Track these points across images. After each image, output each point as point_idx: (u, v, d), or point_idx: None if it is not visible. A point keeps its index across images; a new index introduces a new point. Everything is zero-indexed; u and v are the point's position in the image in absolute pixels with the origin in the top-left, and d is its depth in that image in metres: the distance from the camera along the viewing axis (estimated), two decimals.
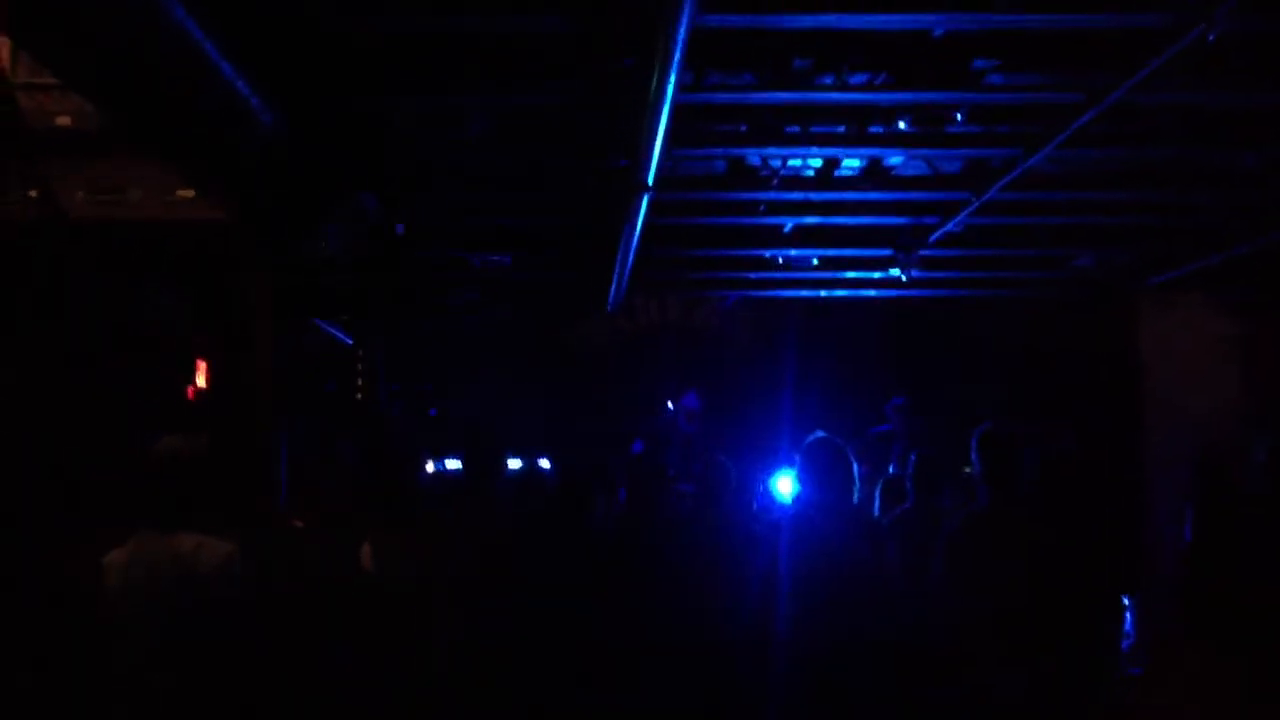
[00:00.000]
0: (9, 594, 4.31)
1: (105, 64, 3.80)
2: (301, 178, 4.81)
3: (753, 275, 8.08)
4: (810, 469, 5.64)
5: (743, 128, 5.48)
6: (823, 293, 8.40)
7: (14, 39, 4.82)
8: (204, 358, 7.78)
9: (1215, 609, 2.94)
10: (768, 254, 7.45)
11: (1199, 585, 3.13)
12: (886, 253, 7.16)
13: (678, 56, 3.85)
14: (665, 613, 5.06)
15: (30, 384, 5.60)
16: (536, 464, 7.86)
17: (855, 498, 6.20)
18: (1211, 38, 4.15)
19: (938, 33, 4.30)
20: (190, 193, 5.87)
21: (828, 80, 4.73)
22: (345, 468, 4.53)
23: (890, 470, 8.44)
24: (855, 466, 5.84)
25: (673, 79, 4.01)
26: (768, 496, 8.64)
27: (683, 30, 3.62)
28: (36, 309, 5.49)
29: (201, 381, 7.75)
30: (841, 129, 5.41)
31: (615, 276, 7.05)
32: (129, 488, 5.18)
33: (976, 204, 5.95)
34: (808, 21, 4.09)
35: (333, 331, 8.80)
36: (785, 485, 8.20)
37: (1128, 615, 4.72)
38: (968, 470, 7.82)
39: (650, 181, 5.21)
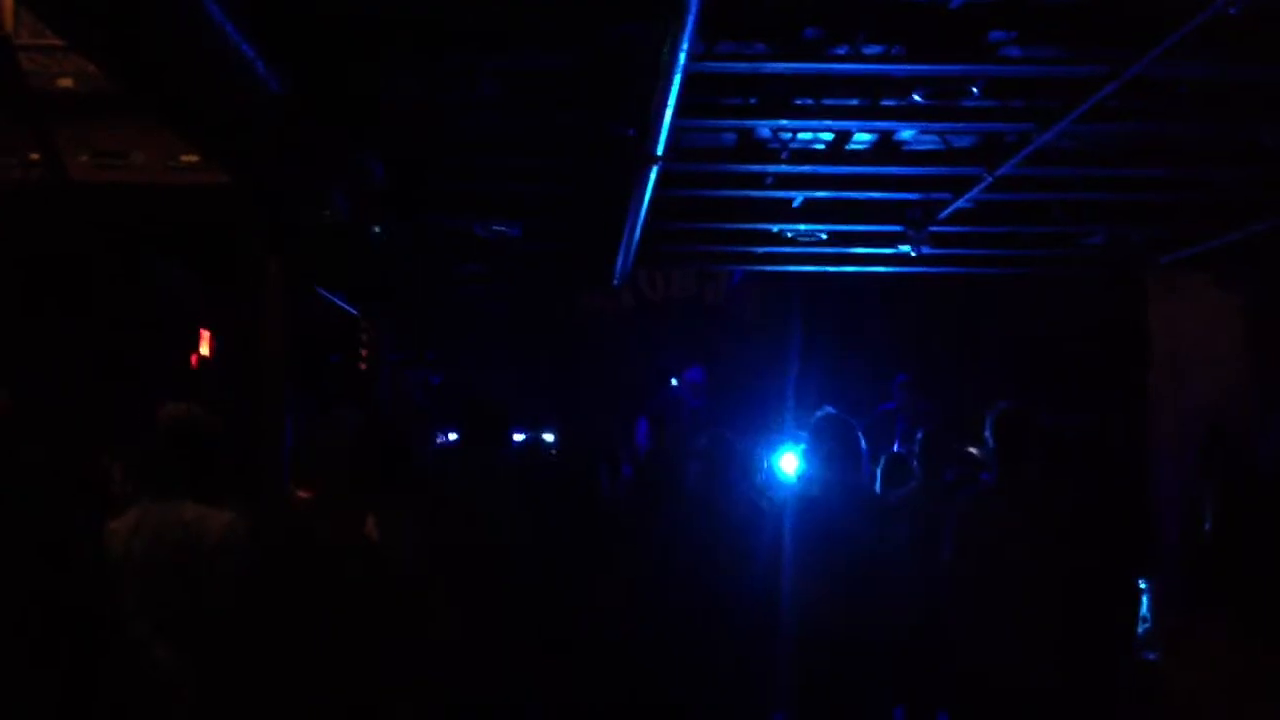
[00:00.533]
0: (18, 561, 4.28)
1: (110, 24, 3.74)
2: (307, 143, 4.75)
3: (760, 250, 8.01)
4: (820, 445, 5.59)
5: (753, 99, 5.41)
6: (831, 268, 8.33)
7: None
8: (208, 326, 7.74)
9: (1241, 594, 2.91)
10: (775, 229, 7.39)
11: (1222, 569, 3.09)
12: (896, 229, 7.09)
13: (691, 22, 3.78)
14: (670, 589, 5.02)
15: (34, 350, 5.56)
16: (540, 437, 7.83)
17: (864, 476, 6.17)
18: (1234, 10, 4.08)
19: (955, 4, 4.22)
20: (195, 157, 5.80)
21: (841, 51, 4.67)
22: (347, 440, 4.48)
23: (894, 448, 8.40)
24: (864, 444, 5.79)
25: (685, 46, 3.94)
26: (772, 473, 8.61)
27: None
28: (41, 274, 5.43)
29: (205, 350, 7.71)
30: (854, 102, 5.33)
31: (622, 249, 6.99)
32: (133, 455, 5.15)
33: (989, 179, 5.88)
34: None
35: (336, 300, 8.75)
36: (790, 462, 8.16)
37: (1144, 599, 4.68)
38: (971, 449, 7.82)
39: (660, 153, 5.14)
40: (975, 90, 4.81)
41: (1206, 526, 3.92)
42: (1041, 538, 4.87)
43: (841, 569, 5.55)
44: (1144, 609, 4.64)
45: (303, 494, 5.06)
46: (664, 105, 4.54)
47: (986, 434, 5.33)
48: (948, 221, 6.86)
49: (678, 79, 4.26)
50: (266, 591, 4.13)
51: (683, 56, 4.01)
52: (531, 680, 4.57)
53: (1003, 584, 4.87)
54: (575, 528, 4.99)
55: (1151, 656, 4.33)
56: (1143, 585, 4.65)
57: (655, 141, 5.00)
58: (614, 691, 4.83)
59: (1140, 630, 4.58)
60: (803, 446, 7.12)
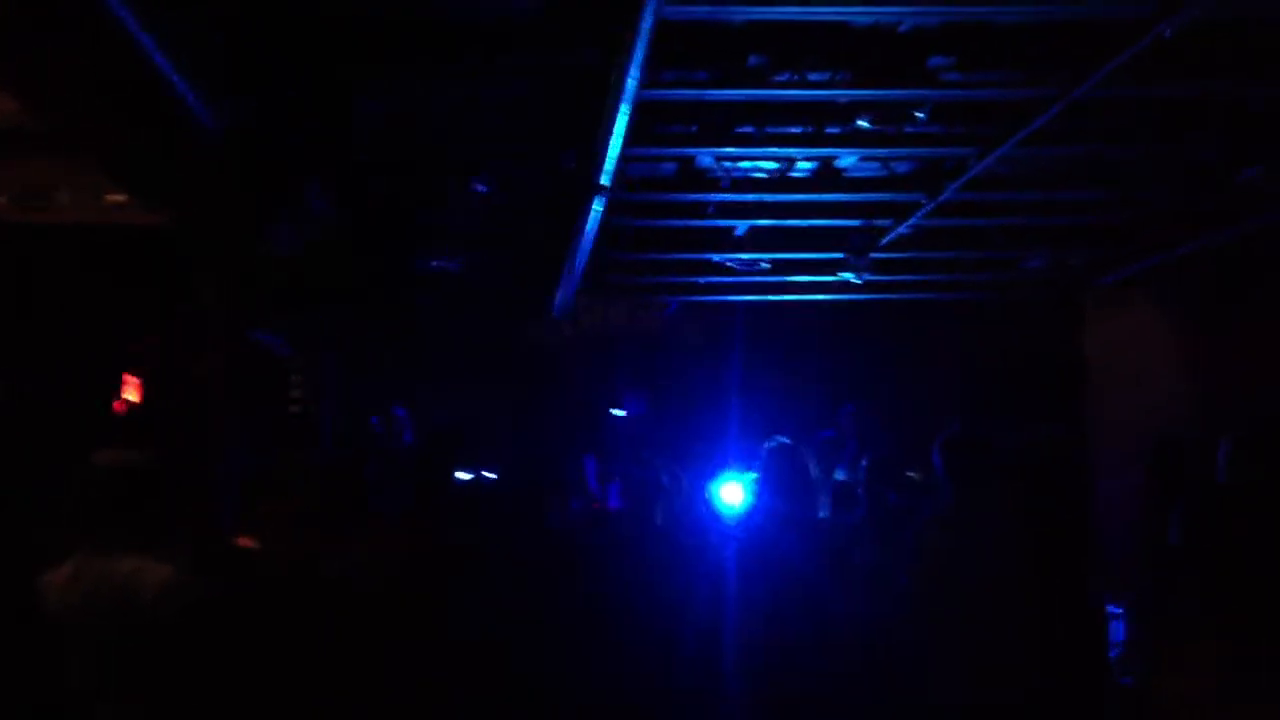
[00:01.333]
0: None
1: (35, 61, 3.60)
2: (245, 179, 4.62)
3: (702, 280, 7.98)
4: (770, 477, 5.54)
5: (694, 128, 5.37)
6: (772, 297, 8.31)
7: None
8: (136, 368, 7.51)
9: (1222, 601, 2.89)
10: (717, 258, 7.35)
11: (1198, 581, 3.07)
12: (838, 256, 7.07)
13: (641, 50, 3.72)
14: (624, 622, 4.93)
15: None
16: (482, 475, 7.67)
17: (814, 506, 6.12)
18: (1168, 33, 4.12)
19: (903, 28, 4.22)
20: (121, 196, 5.62)
21: (785, 77, 4.64)
22: (286, 482, 4.35)
23: (839, 475, 8.39)
24: (813, 473, 5.74)
25: (635, 74, 3.89)
26: (711, 504, 8.53)
27: (648, 22, 3.49)
28: None
29: (133, 396, 7.48)
30: (797, 129, 5.32)
31: (563, 280, 6.91)
32: (63, 504, 4.95)
33: (931, 205, 5.90)
34: (774, 14, 3.98)
35: (267, 339, 8.55)
36: (733, 492, 8.09)
37: (1118, 625, 4.66)
38: (911, 475, 7.81)
39: (606, 182, 5.08)
40: (921, 115, 4.81)
41: (1172, 540, 3.91)
42: (997, 562, 4.84)
43: (789, 600, 5.49)
44: (1119, 634, 4.62)
45: (245, 541, 4.91)
46: (609, 134, 4.47)
47: (935, 458, 5.30)
48: (889, 248, 6.87)
49: (626, 107, 4.20)
50: (209, 643, 3.98)
51: (632, 84, 3.95)
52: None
53: (962, 611, 4.83)
54: (524, 554, 4.88)
55: (1127, 681, 4.31)
56: (1114, 610, 4.64)
57: (600, 170, 4.94)
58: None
59: (1113, 655, 4.56)
60: (746, 476, 7.07)
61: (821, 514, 6.49)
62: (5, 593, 4.10)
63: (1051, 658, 4.49)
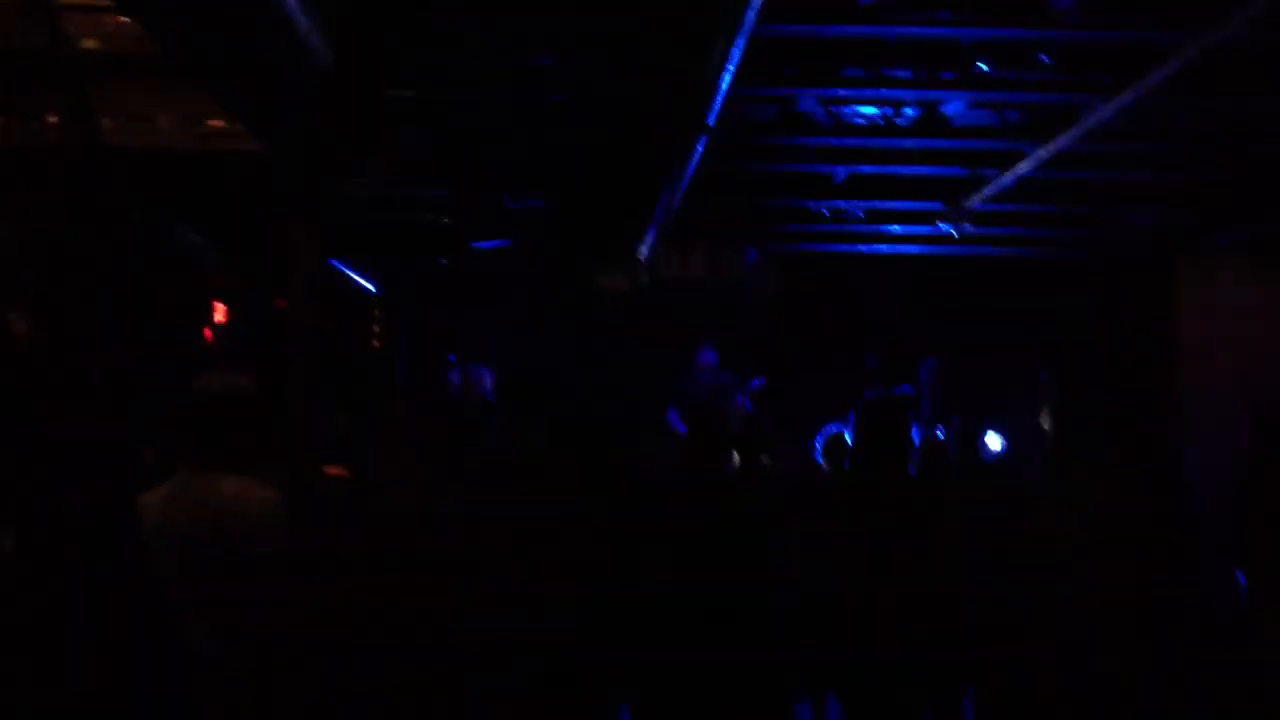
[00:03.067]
0: (46, 532, 4.11)
1: None
2: (348, 112, 4.57)
3: (791, 228, 7.84)
4: (866, 429, 5.46)
5: (799, 69, 5.23)
6: (864, 247, 8.15)
7: None
8: (223, 298, 7.56)
9: None
10: (814, 205, 7.21)
11: None
12: (937, 206, 6.91)
13: None
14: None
15: (56, 314, 5.38)
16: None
17: (912, 460, 6.03)
18: None
19: None
20: (222, 123, 5.60)
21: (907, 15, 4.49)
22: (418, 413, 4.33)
23: (918, 432, 8.27)
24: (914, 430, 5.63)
25: (755, 5, 3.76)
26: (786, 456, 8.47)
27: None
28: (63, 234, 5.25)
29: (220, 321, 7.54)
30: (908, 74, 5.16)
31: (656, 223, 6.81)
32: (159, 426, 4.97)
33: (1042, 154, 5.71)
34: None
35: (352, 276, 8.56)
36: (835, 444, 8.03)
37: (1242, 595, 4.52)
38: (999, 433, 7.67)
39: (711, 123, 4.96)
40: (1045, 58, 4.64)
41: None
42: (1094, 525, 4.74)
43: (879, 556, 5.41)
44: (1243, 601, 4.50)
45: (335, 470, 4.92)
46: (723, 71, 4.35)
47: (1041, 419, 5.17)
48: (992, 200, 6.68)
49: (742, 41, 4.08)
50: (308, 571, 3.98)
51: (751, 15, 3.82)
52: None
53: (1056, 575, 4.74)
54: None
55: (1248, 652, 4.19)
56: (1240, 579, 4.50)
57: (708, 109, 4.82)
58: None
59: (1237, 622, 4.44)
60: (840, 431, 6.98)
61: (911, 470, 6.39)
62: (104, 513, 4.12)
63: (1154, 627, 4.38)
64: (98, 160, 4.58)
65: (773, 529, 5.49)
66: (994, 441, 7.08)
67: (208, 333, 7.66)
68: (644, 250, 7.73)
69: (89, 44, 5.56)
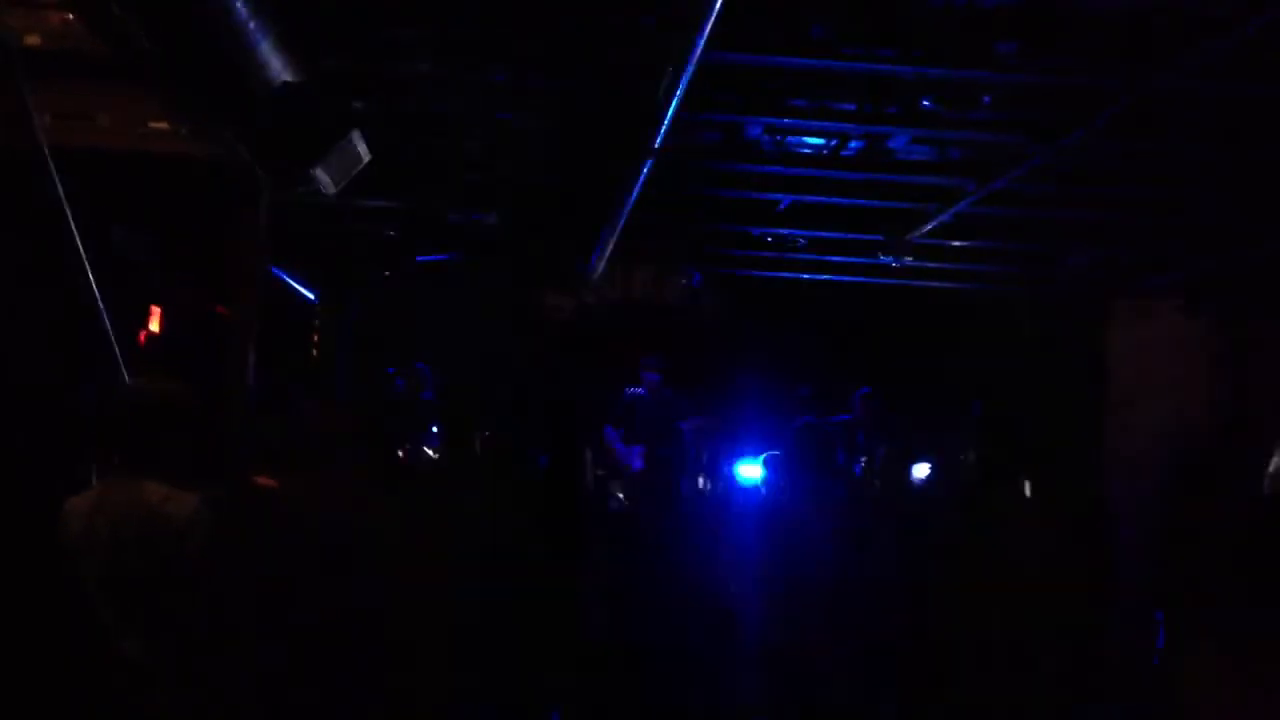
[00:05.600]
0: None
1: None
2: (299, 119, 4.55)
3: (735, 253, 7.90)
4: (795, 455, 5.51)
5: (746, 97, 5.28)
6: (805, 275, 8.23)
7: None
8: (160, 301, 7.44)
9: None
10: (757, 232, 7.27)
11: (1242, 597, 3.02)
12: (877, 238, 7.00)
13: (714, 11, 3.64)
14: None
15: None
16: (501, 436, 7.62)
17: (840, 486, 6.07)
18: (1251, 31, 4.03)
19: (988, 3, 4.11)
20: (165, 125, 5.53)
21: (852, 50, 4.55)
22: (348, 427, 4.30)
23: (854, 458, 8.35)
24: (840, 456, 5.69)
25: (705, 32, 3.80)
26: (732, 478, 8.50)
27: None
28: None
29: (154, 326, 7.41)
30: (853, 106, 5.23)
31: (601, 243, 6.83)
32: (87, 430, 4.89)
33: (982, 192, 5.82)
34: None
35: (292, 283, 8.48)
36: (751, 470, 8.06)
37: (1160, 632, 4.61)
38: (928, 462, 7.74)
39: (657, 146, 5.00)
40: (986, 100, 4.73)
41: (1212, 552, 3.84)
42: (1019, 554, 4.81)
43: (806, 577, 5.46)
44: (1159, 642, 4.58)
45: (264, 480, 4.86)
46: (671, 96, 4.39)
47: (968, 450, 5.25)
48: (931, 234, 6.78)
49: (689, 69, 4.12)
50: (231, 579, 3.93)
51: (700, 42, 3.87)
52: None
53: (982, 601, 4.80)
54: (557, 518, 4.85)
55: (1165, 691, 4.27)
56: (1158, 617, 4.58)
57: (656, 134, 4.85)
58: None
59: (1155, 660, 4.51)
60: (764, 454, 7.02)
61: (839, 498, 6.46)
62: (27, 519, 4.05)
63: (1075, 653, 4.45)
64: (34, 159, 4.51)
65: (706, 553, 5.53)
66: (922, 471, 7.16)
67: (142, 337, 7.54)
68: (589, 269, 7.75)
69: (30, 40, 5.47)
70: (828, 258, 7.78)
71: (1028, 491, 5.13)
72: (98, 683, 3.56)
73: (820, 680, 5.07)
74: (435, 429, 6.43)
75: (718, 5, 3.59)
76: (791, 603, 5.28)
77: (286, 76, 4.39)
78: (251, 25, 3.79)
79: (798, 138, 5.91)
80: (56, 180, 4.42)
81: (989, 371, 9.66)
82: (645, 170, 5.42)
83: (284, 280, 8.27)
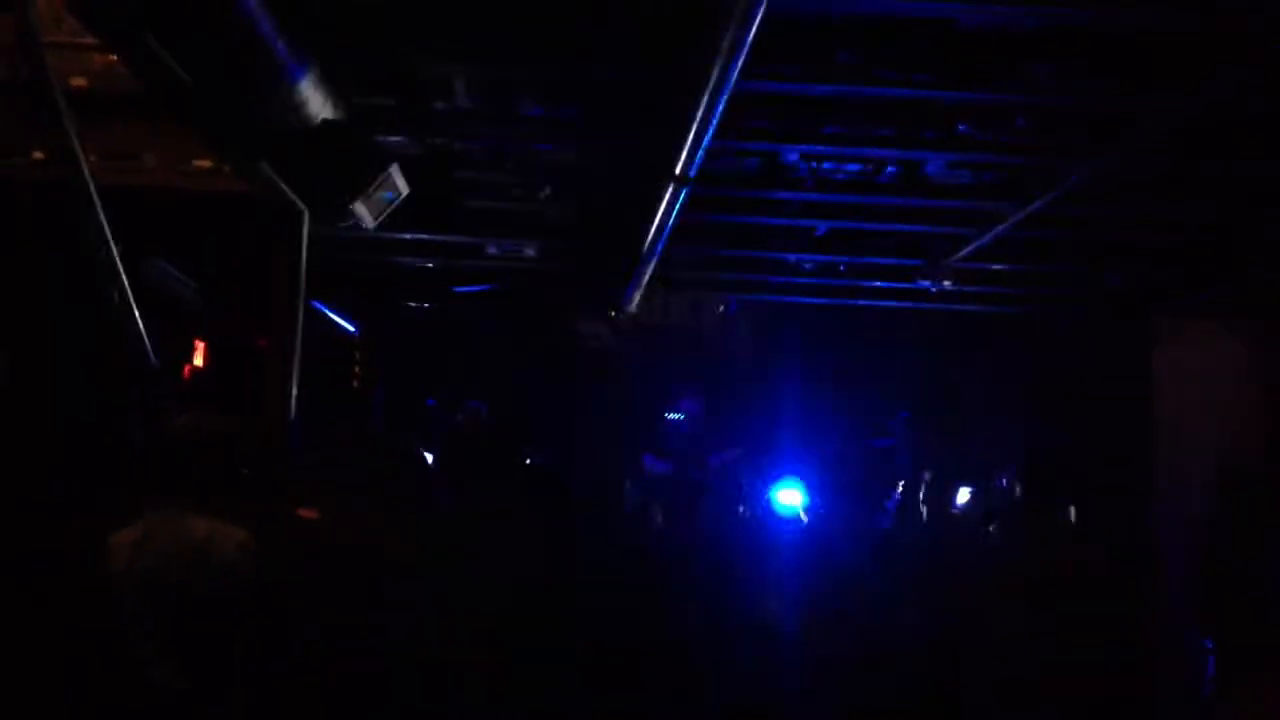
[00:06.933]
0: (13, 578, 4.09)
1: (154, 28, 3.63)
2: (336, 159, 4.62)
3: (772, 279, 7.90)
4: (832, 482, 5.50)
5: (781, 124, 5.31)
6: (843, 300, 8.22)
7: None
8: (204, 336, 7.54)
9: None
10: (793, 258, 7.27)
11: None
12: (916, 262, 6.99)
13: (748, 40, 3.66)
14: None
15: (31, 353, 5.37)
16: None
17: (873, 513, 6.05)
18: None
19: (1029, 23, 4.11)
20: (207, 163, 5.63)
21: (886, 74, 4.56)
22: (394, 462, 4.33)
23: (895, 484, 8.30)
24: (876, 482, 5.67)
25: (739, 62, 3.82)
26: (770, 505, 8.46)
27: (760, 11, 3.44)
28: (42, 272, 5.26)
29: (199, 361, 7.51)
30: (889, 131, 5.24)
31: (637, 272, 6.85)
32: (133, 465, 4.94)
33: (1020, 215, 5.79)
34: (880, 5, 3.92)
35: (332, 315, 8.57)
36: (791, 495, 8.03)
37: (1210, 660, 4.54)
38: (971, 488, 7.69)
39: (693, 174, 5.03)
40: (1021, 122, 4.73)
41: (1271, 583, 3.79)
42: (1071, 584, 4.75)
43: (844, 607, 5.43)
44: (1210, 670, 4.51)
45: (309, 513, 4.89)
46: (706, 125, 4.41)
47: (1007, 474, 5.21)
48: (969, 258, 6.76)
49: (724, 98, 4.14)
50: (277, 613, 3.96)
51: (734, 74, 3.89)
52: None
53: (1026, 632, 4.74)
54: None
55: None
56: (1208, 645, 4.52)
57: (689, 163, 4.88)
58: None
59: (1205, 692, 4.44)
60: (803, 481, 7.01)
61: (880, 522, 6.43)
62: (70, 554, 4.10)
63: (1123, 685, 4.38)
64: (81, 196, 4.60)
65: (748, 581, 5.50)
66: (964, 496, 7.12)
67: (187, 371, 7.64)
68: (625, 298, 7.78)
69: (76, 82, 5.59)
70: (865, 282, 7.77)
71: (1072, 517, 5.07)
72: (120, 712, 3.60)
73: (857, 701, 5.04)
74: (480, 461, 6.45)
75: (750, 35, 3.61)
76: (828, 626, 5.25)
77: (325, 113, 4.46)
78: (291, 63, 3.85)
79: (834, 164, 5.92)
80: (102, 216, 4.50)
81: (1031, 394, 9.59)
82: (681, 199, 5.44)
83: (325, 313, 8.36)
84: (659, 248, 6.36)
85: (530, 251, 6.85)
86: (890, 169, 5.91)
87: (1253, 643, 3.85)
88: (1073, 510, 5.15)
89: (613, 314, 8.75)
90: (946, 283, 6.92)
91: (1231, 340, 8.31)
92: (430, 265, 7.41)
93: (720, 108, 4.25)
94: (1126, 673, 4.24)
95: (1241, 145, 5.11)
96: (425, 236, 6.73)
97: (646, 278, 7.15)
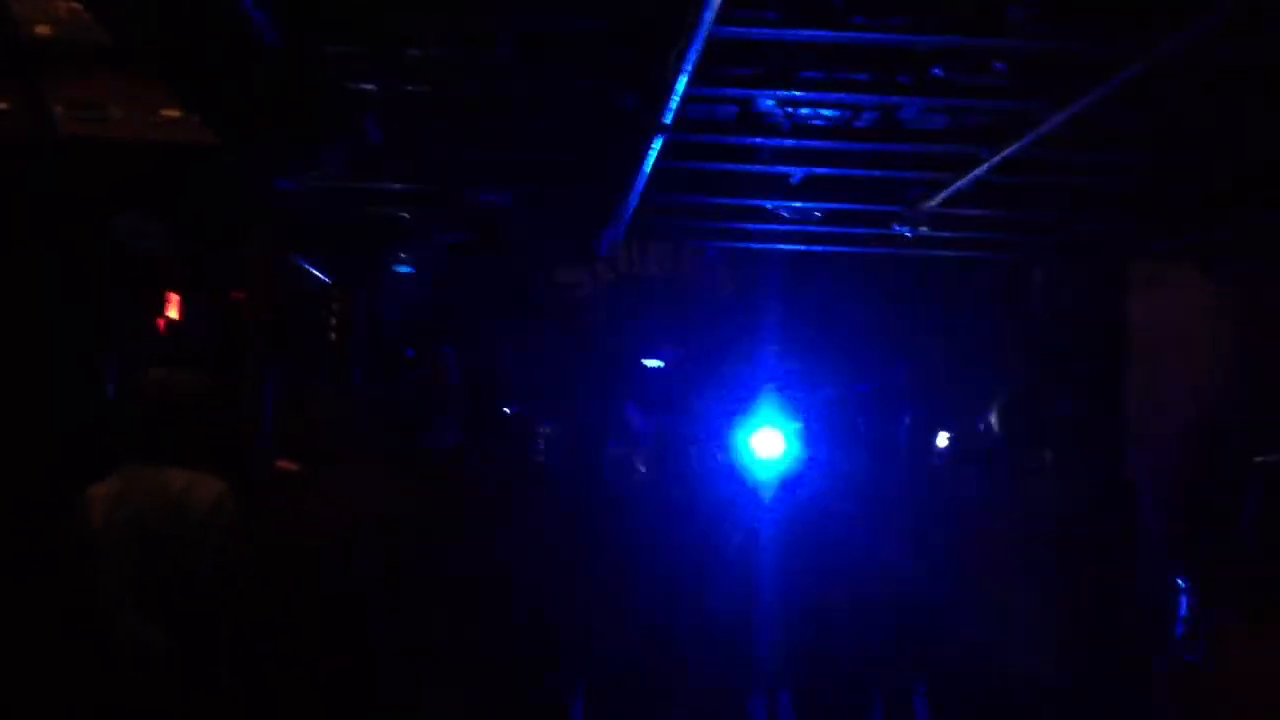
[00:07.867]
0: None
1: None
2: (303, 101, 4.55)
3: (750, 227, 7.87)
4: (816, 429, 5.51)
5: (758, 70, 5.26)
6: (819, 248, 8.20)
7: None
8: (178, 289, 7.48)
9: None
10: (771, 205, 7.24)
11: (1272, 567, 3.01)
12: (893, 209, 6.96)
13: None
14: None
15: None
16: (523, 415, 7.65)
17: (859, 457, 6.07)
18: None
19: None
20: (176, 113, 5.55)
21: (862, 20, 4.52)
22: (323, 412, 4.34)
23: (877, 430, 8.33)
24: (862, 426, 5.70)
25: (713, 10, 3.78)
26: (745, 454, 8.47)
27: None
28: (11, 227, 5.20)
29: (174, 314, 7.45)
30: (866, 76, 5.20)
31: (615, 220, 6.83)
32: (110, 419, 4.92)
33: (997, 159, 5.77)
34: None
35: (306, 266, 8.50)
36: (770, 443, 8.03)
37: (1183, 599, 4.60)
38: (952, 434, 7.71)
39: (668, 122, 4.99)
40: (999, 66, 4.70)
41: (1243, 522, 3.83)
42: (1050, 526, 4.79)
43: (826, 553, 5.46)
44: (1183, 609, 4.56)
45: (287, 465, 4.89)
46: (679, 72, 4.38)
47: (990, 418, 5.25)
48: (946, 203, 6.74)
49: (698, 44, 4.10)
50: (255, 562, 3.97)
51: (709, 16, 3.84)
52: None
53: (1007, 577, 4.79)
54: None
55: (1191, 658, 4.25)
56: (1181, 584, 4.57)
57: (665, 110, 4.84)
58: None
59: (1179, 631, 4.50)
60: (787, 427, 7.01)
61: (861, 466, 6.45)
62: (45, 507, 4.09)
63: (1101, 629, 4.44)
64: (49, 149, 4.54)
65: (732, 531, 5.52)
66: (944, 440, 7.14)
67: (161, 324, 7.59)
68: (604, 247, 7.75)
69: (41, 31, 5.50)
70: (843, 229, 7.75)
71: (1050, 460, 5.10)
72: (100, 667, 3.60)
73: (838, 646, 5.09)
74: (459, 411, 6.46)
75: None
76: (811, 575, 5.28)
77: (288, 58, 4.39)
78: (249, 4, 3.78)
79: (811, 110, 5.87)
80: (69, 169, 4.44)
81: (1009, 339, 9.64)
82: (657, 146, 5.41)
83: (300, 265, 8.29)
84: (635, 196, 6.33)
85: (506, 199, 6.80)
86: (867, 114, 5.87)
87: (1225, 582, 3.90)
88: (1050, 453, 5.19)
89: (592, 263, 8.73)
90: (923, 228, 6.91)
91: (1209, 286, 8.33)
92: (406, 215, 7.34)
93: (695, 54, 4.20)
94: (1103, 611, 4.29)
95: (1221, 91, 5.10)
96: (400, 186, 6.66)
97: (624, 226, 7.13)
